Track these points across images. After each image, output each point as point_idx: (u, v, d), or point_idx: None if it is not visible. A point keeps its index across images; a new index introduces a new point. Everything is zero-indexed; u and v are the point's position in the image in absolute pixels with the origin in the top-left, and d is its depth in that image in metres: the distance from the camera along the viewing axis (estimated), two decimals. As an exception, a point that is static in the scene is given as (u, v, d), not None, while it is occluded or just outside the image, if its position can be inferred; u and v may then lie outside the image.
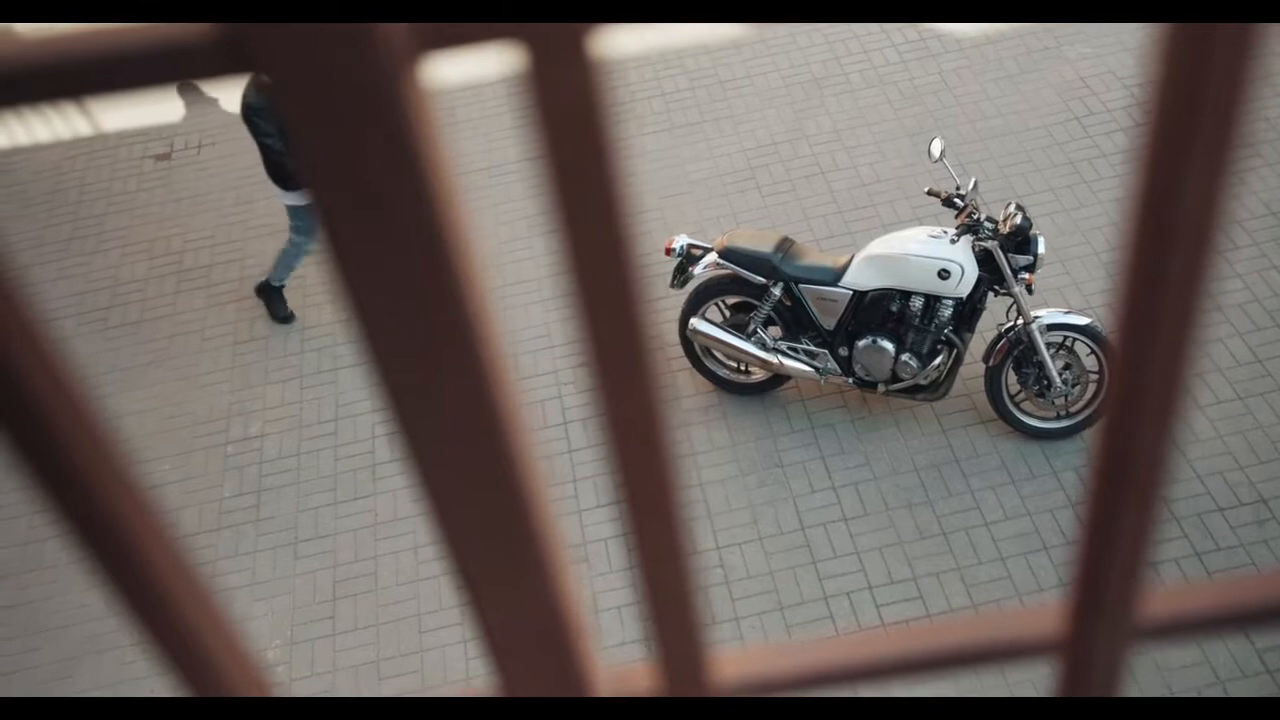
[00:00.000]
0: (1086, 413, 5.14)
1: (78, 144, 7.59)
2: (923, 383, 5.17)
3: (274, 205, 6.99)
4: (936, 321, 5.02)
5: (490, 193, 6.85)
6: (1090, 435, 5.22)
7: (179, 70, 0.33)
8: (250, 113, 5.44)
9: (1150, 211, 0.35)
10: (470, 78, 7.60)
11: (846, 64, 7.33)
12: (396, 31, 0.32)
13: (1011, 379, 5.16)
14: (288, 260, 6.06)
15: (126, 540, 0.40)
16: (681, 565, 0.47)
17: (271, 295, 6.26)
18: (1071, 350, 5.02)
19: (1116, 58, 7.08)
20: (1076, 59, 7.12)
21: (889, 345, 5.07)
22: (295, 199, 5.75)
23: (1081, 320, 4.91)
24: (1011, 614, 0.52)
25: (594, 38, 0.27)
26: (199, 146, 7.46)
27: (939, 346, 5.09)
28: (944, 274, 4.90)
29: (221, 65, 0.33)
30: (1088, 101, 6.84)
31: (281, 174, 5.67)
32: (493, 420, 0.37)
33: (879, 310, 5.06)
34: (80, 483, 0.38)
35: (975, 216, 4.85)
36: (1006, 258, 4.86)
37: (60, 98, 0.34)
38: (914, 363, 5.07)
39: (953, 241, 4.91)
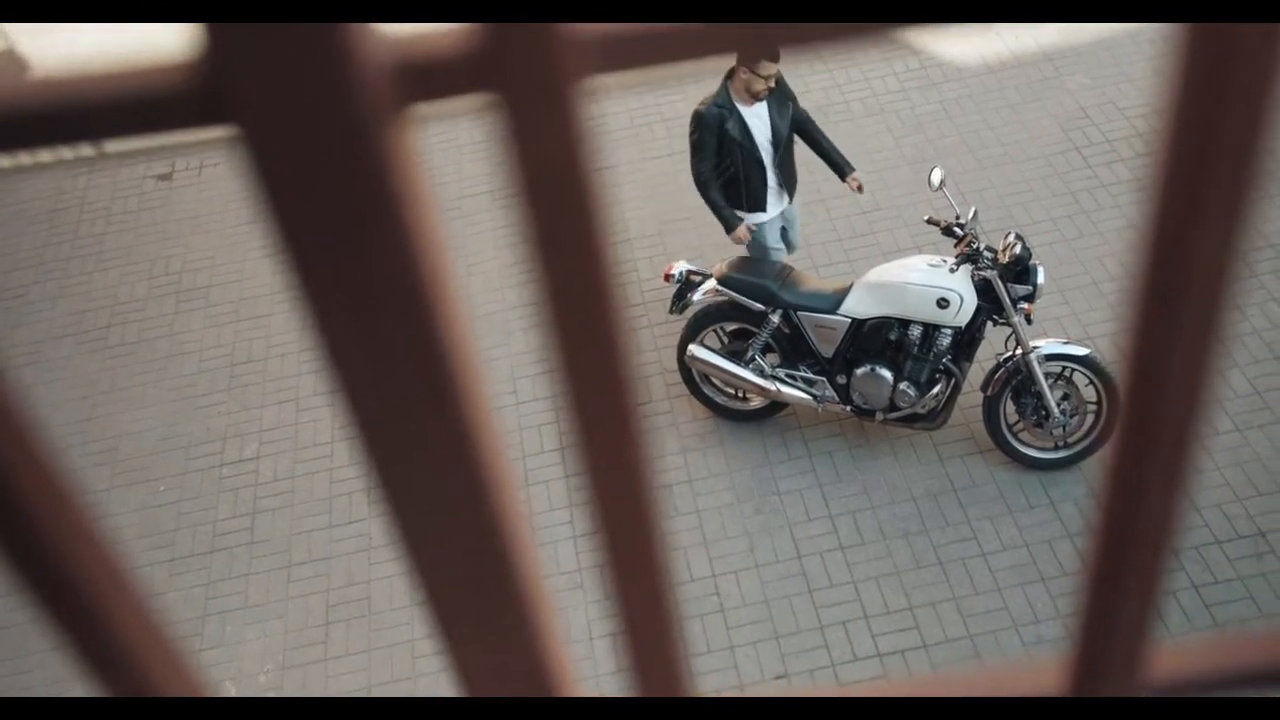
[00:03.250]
0: (1085, 443, 5.13)
1: (79, 163, 7.60)
2: (920, 411, 5.16)
3: (274, 227, 6.97)
4: (935, 350, 5.01)
5: (489, 216, 6.85)
6: (1089, 468, 5.21)
7: (152, 122, 0.32)
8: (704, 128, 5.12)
9: (1163, 245, 0.34)
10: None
11: (848, 92, 7.35)
12: (378, 82, 0.31)
13: (1010, 409, 5.15)
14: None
15: (44, 534, 0.39)
16: (661, 597, 0.46)
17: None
18: (1070, 381, 5.01)
19: (1117, 88, 7.09)
20: (1077, 89, 7.13)
21: (887, 374, 5.06)
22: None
23: (1080, 351, 4.90)
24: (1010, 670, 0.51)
25: (577, 90, 0.26)
26: (200, 167, 7.47)
27: (937, 375, 5.08)
28: (943, 303, 4.90)
29: (197, 116, 0.32)
30: (1088, 132, 6.85)
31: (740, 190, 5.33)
32: (478, 490, 0.36)
33: (877, 338, 5.05)
34: None
35: (975, 246, 4.85)
36: (1006, 287, 4.86)
37: (29, 148, 0.33)
38: (912, 391, 5.06)
39: (952, 270, 4.91)
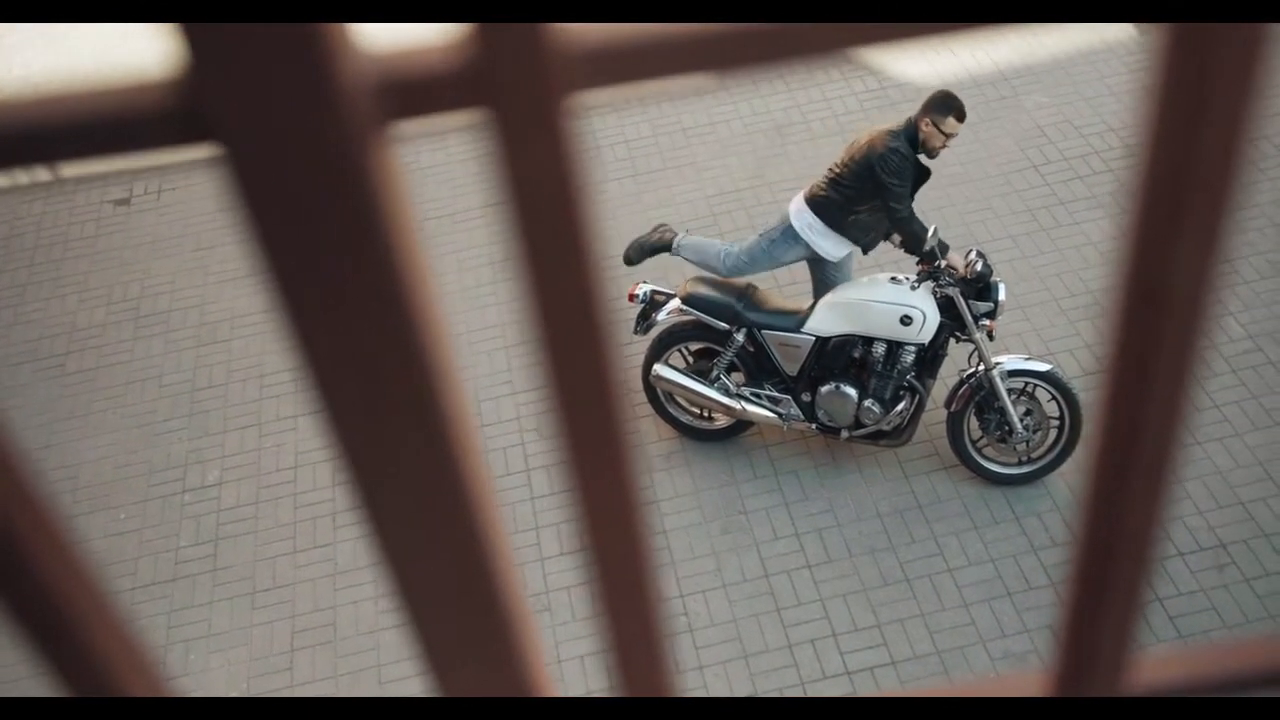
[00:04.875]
0: (1048, 459, 5.16)
1: (35, 189, 7.52)
2: (885, 429, 5.18)
3: (232, 251, 6.93)
4: (899, 367, 5.03)
5: (452, 238, 6.83)
6: (1053, 482, 5.25)
7: (133, 141, 0.32)
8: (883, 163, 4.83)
9: (1146, 248, 0.34)
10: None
11: (808, 111, 7.39)
12: (362, 98, 0.31)
13: (973, 424, 5.18)
14: (703, 253, 5.34)
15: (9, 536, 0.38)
16: (650, 611, 0.46)
17: (647, 245, 5.43)
18: (1033, 396, 5.05)
19: (1073, 107, 7.18)
20: (1034, 108, 7.21)
21: (852, 391, 5.08)
22: (814, 231, 5.14)
23: (1042, 366, 4.95)
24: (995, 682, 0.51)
25: (567, 104, 0.26)
26: (159, 191, 7.41)
27: (901, 392, 5.10)
28: (906, 320, 4.93)
29: (177, 134, 0.32)
30: (1045, 150, 6.93)
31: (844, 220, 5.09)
32: (461, 505, 0.36)
33: (841, 356, 5.07)
34: None
35: (936, 263, 4.88)
36: (967, 304, 4.90)
37: (6, 167, 0.32)
38: (877, 408, 5.08)
39: (914, 288, 4.94)
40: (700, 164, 7.11)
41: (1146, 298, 0.31)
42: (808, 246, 5.16)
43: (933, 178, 6.79)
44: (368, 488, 0.38)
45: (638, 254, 5.43)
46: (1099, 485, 0.37)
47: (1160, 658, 0.50)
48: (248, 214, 0.32)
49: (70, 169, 7.53)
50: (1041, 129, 7.06)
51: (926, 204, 6.64)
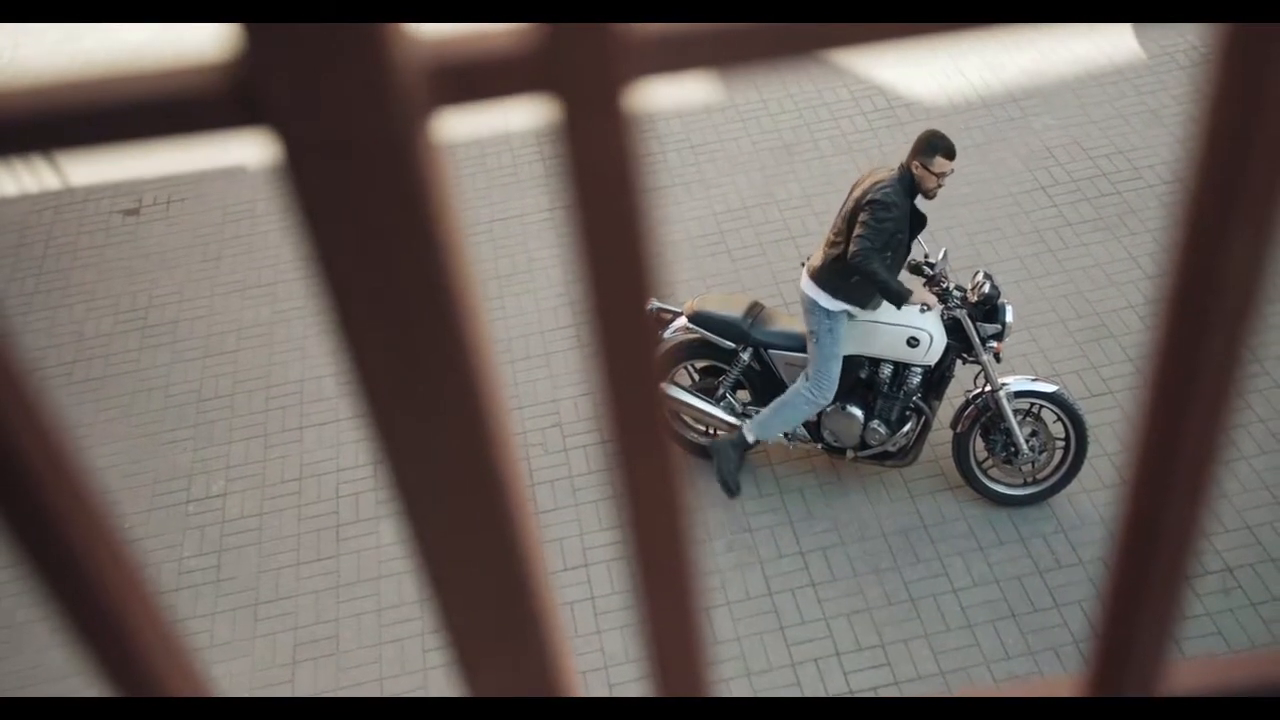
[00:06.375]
0: (1053, 480, 5.15)
1: (45, 198, 7.55)
2: (891, 449, 5.17)
3: (240, 262, 6.95)
4: (905, 389, 5.02)
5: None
6: (1058, 503, 5.24)
7: (185, 123, 0.32)
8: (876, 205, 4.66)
9: (1198, 247, 0.34)
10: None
11: (816, 131, 7.41)
12: (415, 84, 0.31)
13: (979, 445, 5.17)
14: (784, 414, 5.08)
15: (56, 523, 0.38)
16: (690, 605, 0.45)
17: (734, 449, 5.26)
18: (1038, 417, 5.04)
19: (1082, 129, 7.19)
20: (1042, 130, 7.22)
21: (858, 411, 5.07)
22: (834, 304, 4.89)
23: (1048, 388, 4.94)
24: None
25: (629, 90, 0.26)
26: (168, 202, 7.43)
27: (908, 413, 5.09)
28: (913, 342, 4.92)
29: (230, 118, 0.32)
30: (1053, 171, 6.93)
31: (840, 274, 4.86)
32: (497, 493, 0.36)
33: (848, 376, 5.07)
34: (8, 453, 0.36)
35: (944, 285, 4.87)
36: (975, 326, 4.89)
37: (61, 148, 0.32)
38: (882, 429, 5.07)
39: (921, 310, 4.93)
40: (709, 181, 7.13)
41: (1198, 285, 0.31)
42: (843, 308, 4.93)
43: (940, 197, 6.79)
44: (402, 471, 0.38)
45: (733, 478, 5.32)
46: (1141, 477, 0.37)
47: (1192, 666, 0.49)
48: (297, 197, 0.32)
49: (81, 176, 7.55)
50: (1050, 151, 7.07)
51: (935, 224, 6.65)
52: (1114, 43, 7.82)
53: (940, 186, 4.70)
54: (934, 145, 4.61)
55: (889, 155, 7.14)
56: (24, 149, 0.31)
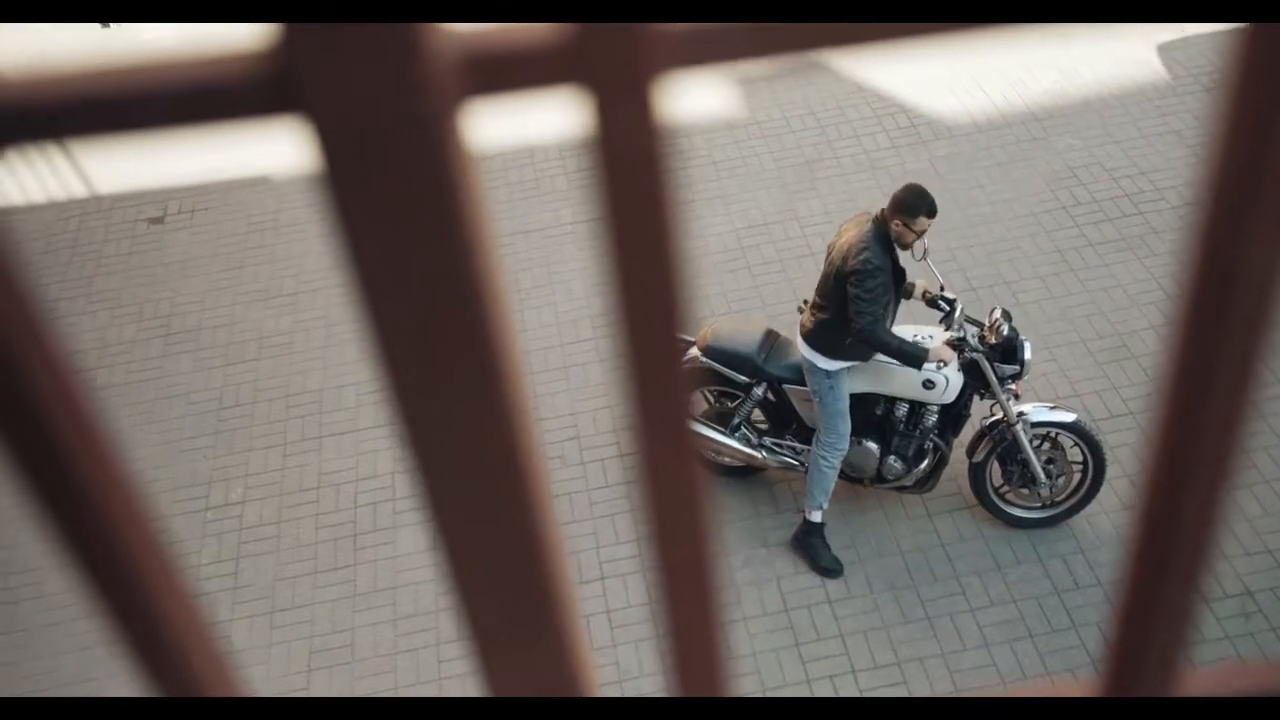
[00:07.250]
0: (1071, 502, 5.12)
1: (71, 205, 7.61)
2: (908, 484, 5.14)
3: (263, 271, 6.99)
4: (922, 427, 4.97)
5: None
6: (1077, 524, 5.21)
7: (222, 110, 0.33)
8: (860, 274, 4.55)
9: (1219, 237, 0.35)
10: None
11: (838, 148, 7.41)
12: (448, 76, 0.31)
13: (995, 472, 5.12)
14: (819, 482, 5.05)
15: (103, 524, 0.39)
16: (711, 608, 0.46)
17: (812, 537, 5.19)
18: (1055, 443, 4.98)
19: (1104, 149, 7.17)
20: (1065, 149, 7.21)
21: (874, 446, 5.03)
22: (832, 364, 4.82)
23: (1067, 417, 4.87)
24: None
25: (660, 83, 0.27)
26: (193, 211, 7.48)
27: (924, 450, 5.04)
28: (929, 385, 4.85)
29: (265, 105, 0.33)
30: (1075, 191, 6.92)
31: (833, 339, 4.77)
32: (522, 485, 0.36)
33: (864, 411, 5.00)
34: (56, 453, 0.37)
35: (961, 334, 4.79)
36: (993, 367, 4.81)
37: (96, 134, 0.33)
38: (899, 465, 5.03)
39: (938, 368, 4.83)
40: (730, 197, 7.14)
41: (1216, 282, 0.31)
42: (841, 366, 4.87)
43: (962, 216, 6.79)
44: (427, 464, 0.39)
45: (828, 559, 5.20)
46: (1157, 479, 0.37)
47: (1209, 673, 0.49)
48: (330, 183, 0.33)
49: (107, 183, 7.60)
50: (1072, 170, 7.06)
51: (957, 244, 6.64)
52: (1137, 63, 7.81)
53: (920, 240, 4.61)
54: (917, 206, 4.49)
55: (911, 173, 7.14)
56: (68, 134, 0.31)
